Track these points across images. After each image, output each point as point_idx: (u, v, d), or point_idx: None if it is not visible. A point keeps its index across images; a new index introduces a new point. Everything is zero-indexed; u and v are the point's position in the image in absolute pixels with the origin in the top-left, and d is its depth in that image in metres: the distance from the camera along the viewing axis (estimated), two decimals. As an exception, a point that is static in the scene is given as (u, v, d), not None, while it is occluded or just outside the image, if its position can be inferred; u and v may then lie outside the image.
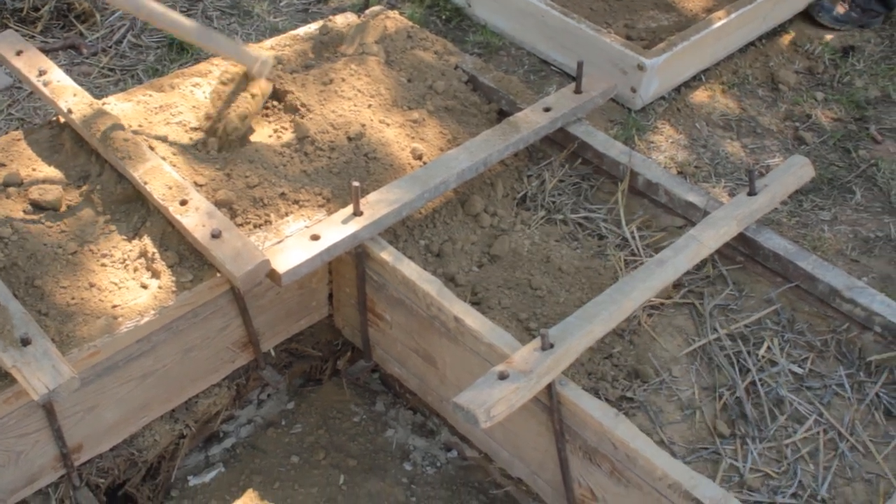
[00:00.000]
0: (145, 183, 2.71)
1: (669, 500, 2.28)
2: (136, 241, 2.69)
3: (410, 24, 3.62)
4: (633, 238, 2.99)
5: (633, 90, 3.95)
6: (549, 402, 2.40)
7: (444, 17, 4.44)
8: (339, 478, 3.06)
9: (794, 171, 2.98)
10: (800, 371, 2.68)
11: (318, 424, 3.22)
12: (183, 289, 2.57)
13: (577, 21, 4.08)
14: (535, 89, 4.03)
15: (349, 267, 2.85)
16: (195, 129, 3.02)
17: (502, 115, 3.32)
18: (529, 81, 4.15)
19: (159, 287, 2.57)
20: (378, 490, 3.02)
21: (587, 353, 2.64)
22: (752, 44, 4.48)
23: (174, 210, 2.64)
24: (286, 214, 2.82)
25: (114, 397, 2.60)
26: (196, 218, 2.61)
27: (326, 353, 3.28)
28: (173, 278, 2.58)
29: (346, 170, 2.98)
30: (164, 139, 2.96)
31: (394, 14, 3.62)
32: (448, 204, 3.01)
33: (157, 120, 3.04)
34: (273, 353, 3.04)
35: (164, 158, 2.86)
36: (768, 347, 2.72)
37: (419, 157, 3.08)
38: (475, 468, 3.08)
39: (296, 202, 2.85)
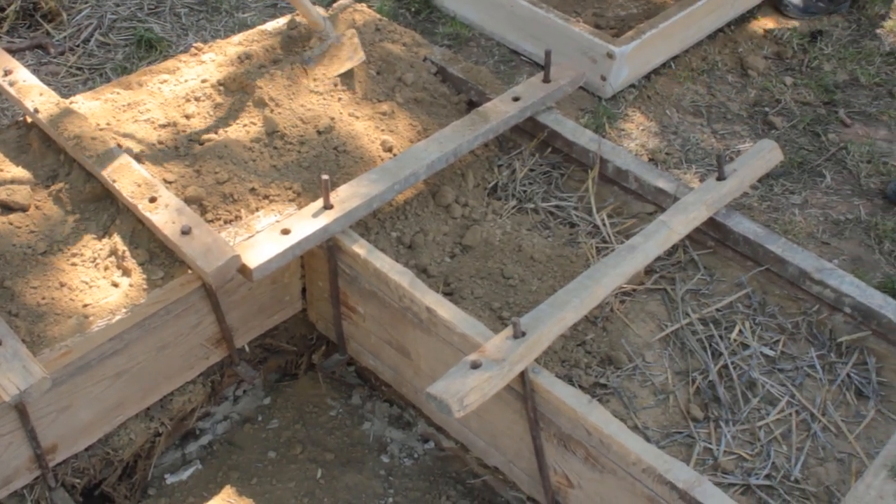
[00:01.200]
0: (114, 181, 2.70)
1: (644, 484, 2.30)
2: (106, 240, 2.68)
3: (379, 16, 3.61)
4: (605, 225, 3.00)
5: (603, 78, 3.96)
6: (523, 390, 2.41)
7: (413, 9, 4.44)
8: (317, 472, 3.06)
9: (762, 156, 3.00)
10: (771, 353, 2.69)
11: (294, 419, 3.22)
12: (154, 286, 2.56)
13: (545, 11, 4.09)
14: (506, 80, 4.03)
15: (321, 261, 2.85)
16: (163, 125, 3.01)
17: (472, 105, 3.33)
18: (499, 72, 4.15)
19: (130, 285, 2.56)
20: (356, 483, 3.03)
21: (560, 340, 2.65)
22: (720, 30, 4.50)
23: (143, 207, 2.63)
24: (256, 209, 2.81)
25: (87, 397, 2.58)
26: (166, 215, 2.60)
27: (301, 348, 3.27)
28: (144, 276, 2.57)
29: (317, 163, 2.98)
30: (132, 137, 2.94)
31: (362, 7, 3.62)
32: (419, 195, 3.01)
33: (125, 118, 3.02)
34: (247, 348, 3.04)
35: (132, 156, 2.84)
36: (740, 331, 2.73)
37: (389, 150, 3.08)
38: (452, 458, 3.09)
39: (266, 197, 2.85)
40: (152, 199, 2.65)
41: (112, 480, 2.90)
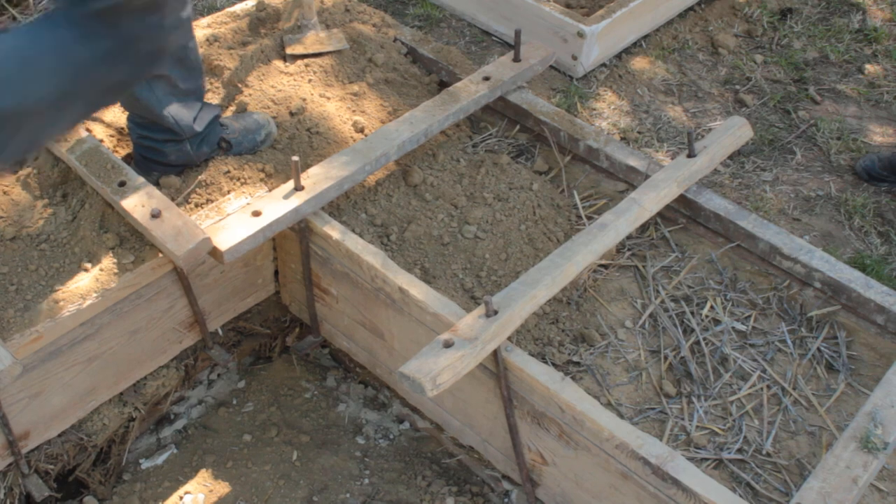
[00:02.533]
0: (84, 165, 2.68)
1: (617, 460, 2.31)
2: (75, 225, 2.66)
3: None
4: (577, 204, 3.01)
5: (574, 58, 3.96)
6: (496, 368, 2.42)
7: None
8: (293, 454, 3.06)
9: (732, 132, 3.01)
10: (743, 329, 2.71)
11: (269, 402, 3.22)
12: (125, 270, 2.55)
13: (516, -10, 4.08)
14: (477, 60, 4.02)
15: (293, 242, 2.84)
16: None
17: (443, 86, 3.32)
18: (471, 52, 4.14)
19: (101, 270, 2.55)
20: (331, 465, 3.03)
21: (533, 318, 2.65)
22: (691, 9, 4.50)
23: (113, 191, 2.61)
24: (228, 192, 2.80)
25: (59, 382, 2.57)
26: (135, 198, 2.59)
27: (275, 331, 3.27)
28: (114, 260, 2.56)
29: (290, 145, 2.97)
30: (101, 120, 2.92)
31: (331, -13, 3.60)
32: (391, 176, 3.01)
33: (93, 101, 2.99)
34: (221, 332, 3.03)
35: (101, 140, 2.82)
36: (711, 307, 2.75)
37: (361, 131, 3.07)
38: (428, 439, 3.09)
39: (238, 179, 2.83)
40: (121, 183, 2.63)
41: (86, 466, 2.89)
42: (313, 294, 2.92)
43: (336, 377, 3.28)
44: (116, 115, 2.95)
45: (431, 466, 3.03)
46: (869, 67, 4.33)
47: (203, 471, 3.01)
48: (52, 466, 2.76)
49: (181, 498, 2.95)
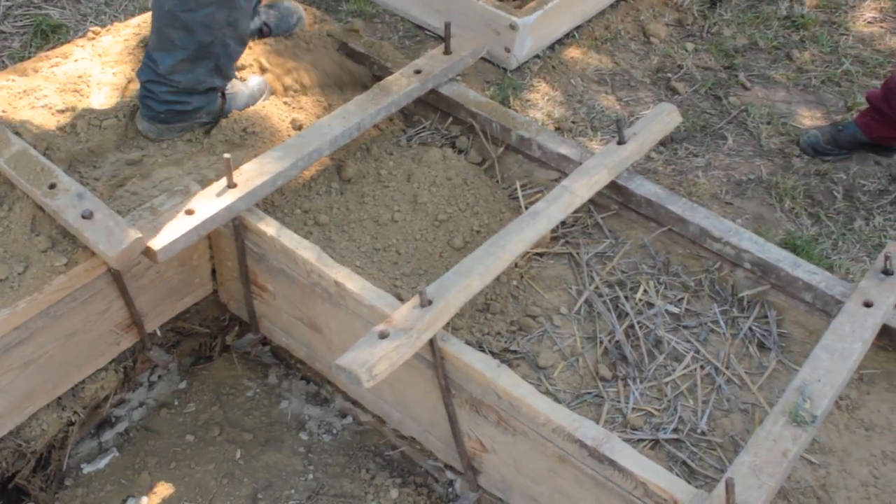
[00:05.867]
0: (13, 168, 2.66)
1: (554, 444, 2.34)
2: (5, 229, 2.63)
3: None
4: (518, 194, 3.04)
5: (507, 50, 3.99)
6: (433, 357, 2.44)
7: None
8: (236, 452, 3.05)
9: (660, 119, 3.05)
10: (676, 311, 2.76)
11: (211, 401, 3.21)
12: (58, 273, 2.53)
13: (448, -16, 4.10)
14: (411, 54, 4.03)
15: (228, 240, 2.84)
16: (61, 111, 2.96)
17: (376, 80, 3.33)
18: (405, 47, 4.15)
19: (33, 274, 2.53)
20: (275, 461, 3.03)
21: (469, 307, 2.68)
22: (622, -1, 4.56)
23: (43, 194, 2.59)
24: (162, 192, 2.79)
25: (-6, 388, 2.55)
26: (66, 200, 2.56)
27: (214, 330, 3.26)
28: (47, 263, 2.54)
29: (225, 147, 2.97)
30: (30, 123, 2.90)
31: (262, -15, 3.59)
32: (325, 171, 3.01)
33: (21, 105, 2.97)
34: (159, 332, 3.01)
35: (30, 143, 2.80)
36: (645, 291, 2.79)
37: (299, 128, 3.08)
38: (370, 432, 3.11)
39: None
40: (52, 186, 2.61)
41: (26, 473, 2.87)
42: (251, 291, 2.92)
43: (278, 374, 3.28)
44: (45, 117, 2.93)
45: (375, 459, 3.04)
46: (797, 53, 4.41)
47: (146, 473, 2.99)
48: (-10, 474, 2.74)
49: (124, 501, 2.93)
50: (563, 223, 2.94)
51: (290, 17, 3.45)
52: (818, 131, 3.86)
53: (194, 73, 2.88)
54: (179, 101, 2.91)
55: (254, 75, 3.18)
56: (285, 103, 3.15)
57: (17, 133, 2.81)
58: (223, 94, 3.01)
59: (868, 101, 3.75)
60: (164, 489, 2.96)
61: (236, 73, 3.11)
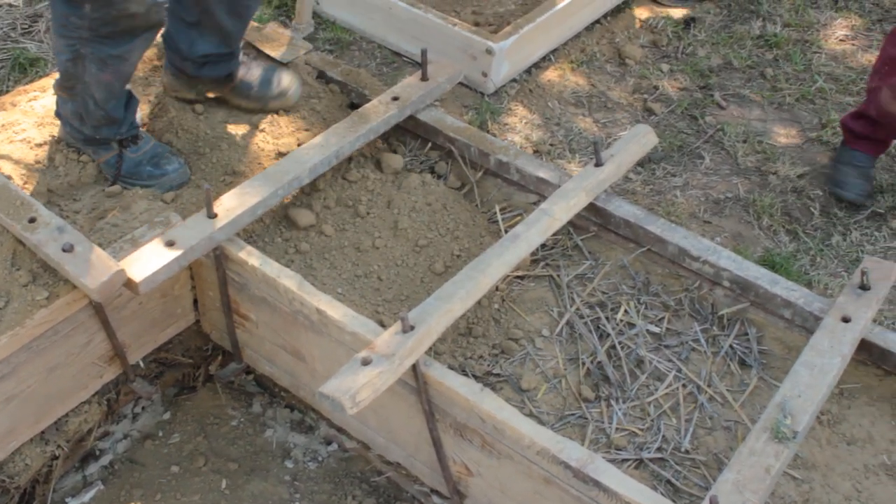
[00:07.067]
0: (-9, 204, 2.66)
1: (539, 466, 2.35)
2: (-15, 264, 2.64)
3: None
4: (498, 219, 3.06)
5: (485, 75, 4.02)
6: (416, 383, 2.44)
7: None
8: (221, 482, 3.04)
9: (637, 140, 3.08)
10: (657, 330, 2.78)
11: (195, 432, 3.20)
12: (39, 307, 2.53)
13: (424, 11, 4.13)
14: (389, 81, 4.06)
15: (210, 270, 2.84)
16: (39, 145, 2.97)
17: (354, 108, 3.35)
18: (382, 74, 4.18)
19: (14, 308, 2.52)
20: (261, 490, 3.02)
21: (451, 332, 2.69)
22: (597, 22, 4.60)
23: (23, 228, 2.59)
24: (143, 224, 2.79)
25: (-24, 425, 2.54)
26: (46, 233, 2.57)
27: (198, 360, 3.25)
28: (28, 297, 2.54)
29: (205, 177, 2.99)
30: (8, 157, 2.90)
31: (239, 16, 3.61)
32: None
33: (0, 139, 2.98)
34: (142, 364, 3.01)
35: (9, 177, 2.80)
36: (625, 311, 2.81)
37: (280, 156, 3.10)
38: (356, 458, 3.10)
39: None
40: (32, 220, 2.61)
41: (10, 508, 2.86)
42: (233, 320, 2.93)
43: (262, 403, 3.28)
44: (23, 151, 2.94)
45: (361, 486, 3.04)
46: (771, 72, 4.46)
47: (131, 505, 2.99)
48: (-26, 511, 2.72)
49: (110, 534, 2.92)
50: (542, 246, 2.96)
51: (269, 87, 3.21)
52: (860, 180, 3.79)
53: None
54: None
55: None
56: (262, 130, 3.17)
57: (-4, 168, 2.81)
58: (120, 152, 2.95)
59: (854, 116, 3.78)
60: (149, 521, 2.95)
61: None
